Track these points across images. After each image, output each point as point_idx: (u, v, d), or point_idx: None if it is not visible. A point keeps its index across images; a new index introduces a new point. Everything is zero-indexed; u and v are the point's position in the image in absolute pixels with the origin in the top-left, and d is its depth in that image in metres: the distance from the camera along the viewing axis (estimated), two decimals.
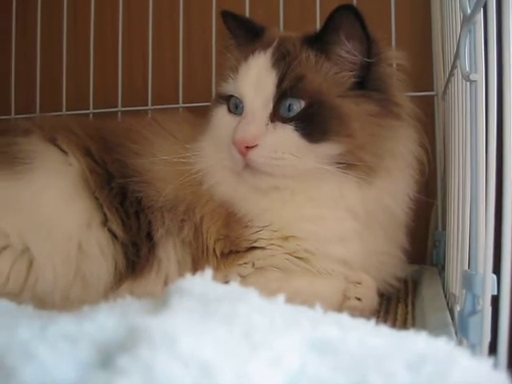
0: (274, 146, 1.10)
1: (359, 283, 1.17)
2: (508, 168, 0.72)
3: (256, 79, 1.14)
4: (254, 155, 1.10)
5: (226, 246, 1.20)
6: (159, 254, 1.20)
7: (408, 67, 1.19)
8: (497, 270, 0.75)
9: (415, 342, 0.56)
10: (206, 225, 1.20)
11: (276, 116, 1.12)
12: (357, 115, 1.11)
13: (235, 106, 1.18)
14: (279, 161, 1.10)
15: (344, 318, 0.62)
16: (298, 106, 1.11)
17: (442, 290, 1.22)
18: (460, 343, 0.83)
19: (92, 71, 1.94)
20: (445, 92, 1.46)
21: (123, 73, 1.93)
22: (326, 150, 1.10)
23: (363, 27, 1.09)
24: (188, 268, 1.19)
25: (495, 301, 0.75)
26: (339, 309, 1.09)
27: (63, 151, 1.24)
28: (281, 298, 0.62)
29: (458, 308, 0.96)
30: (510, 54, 0.73)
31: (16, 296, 1.09)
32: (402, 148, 1.18)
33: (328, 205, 1.17)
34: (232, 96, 1.19)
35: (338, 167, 1.10)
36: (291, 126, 1.10)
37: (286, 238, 1.18)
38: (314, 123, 1.10)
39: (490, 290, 0.76)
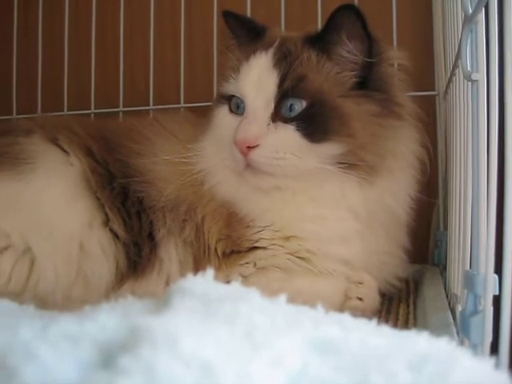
0: (275, 146, 1.10)
1: (361, 283, 1.17)
2: (509, 168, 0.72)
3: (257, 79, 1.14)
4: (255, 155, 1.10)
5: (228, 246, 1.20)
6: (161, 254, 1.20)
7: (409, 67, 1.19)
8: (498, 269, 0.75)
9: (417, 342, 0.56)
10: (207, 225, 1.20)
11: (277, 116, 1.12)
12: (358, 115, 1.11)
13: (237, 105, 1.18)
14: (281, 161, 1.10)
15: (345, 318, 0.62)
16: (300, 105, 1.11)
17: (443, 290, 1.22)
18: (461, 343, 0.83)
19: (93, 71, 1.94)
20: (446, 92, 1.45)
21: (125, 73, 1.93)
22: (328, 150, 1.10)
23: (364, 27, 1.09)
24: (190, 268, 1.19)
25: (497, 301, 0.75)
26: (341, 309, 1.09)
27: (65, 151, 1.24)
28: (282, 297, 0.62)
29: (459, 308, 0.96)
30: (511, 53, 0.73)
31: (17, 296, 1.09)
32: (403, 148, 1.18)
33: (329, 205, 1.17)
34: (233, 96, 1.19)
35: (340, 167, 1.10)
36: (292, 126, 1.10)
37: (287, 238, 1.18)
38: (315, 123, 1.10)
39: (492, 289, 0.76)
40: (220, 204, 1.21)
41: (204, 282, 0.63)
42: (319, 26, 1.51)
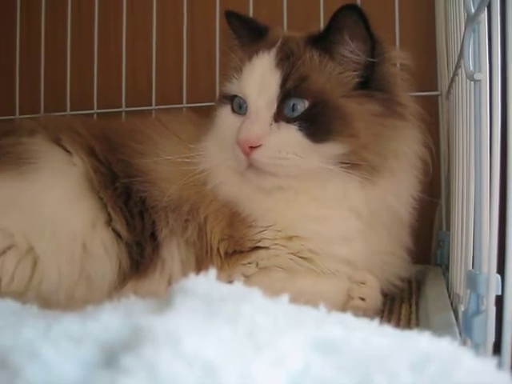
0: (277, 146, 1.10)
1: (363, 283, 1.17)
2: None
3: (260, 79, 1.14)
4: (257, 155, 1.10)
5: (230, 246, 1.20)
6: (163, 254, 1.20)
7: (412, 67, 1.19)
8: (501, 270, 0.75)
9: (419, 342, 0.56)
10: (209, 225, 1.20)
11: (280, 116, 1.12)
12: (360, 115, 1.11)
13: (239, 105, 1.18)
14: (283, 161, 1.10)
15: (348, 317, 0.62)
16: (302, 105, 1.11)
17: (446, 290, 1.22)
18: (464, 343, 0.83)
19: (96, 71, 1.94)
20: (449, 92, 1.45)
21: (127, 73, 1.93)
22: (330, 150, 1.10)
23: (367, 27, 1.09)
24: (192, 268, 1.19)
25: (499, 301, 0.75)
26: (343, 309, 1.09)
27: (67, 151, 1.24)
28: (285, 297, 0.62)
29: (462, 308, 0.96)
30: None
31: (20, 295, 1.09)
32: (405, 148, 1.18)
33: (332, 205, 1.17)
34: (236, 96, 1.19)
35: (342, 167, 1.10)
36: (295, 126, 1.10)
37: (289, 238, 1.18)
38: (317, 123, 1.10)
39: (494, 289, 0.76)
40: (222, 204, 1.21)
41: (206, 282, 0.63)
42: (322, 25, 1.50)
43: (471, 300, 0.81)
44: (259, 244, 1.19)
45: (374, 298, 1.17)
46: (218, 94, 1.47)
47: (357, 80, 1.14)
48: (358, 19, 1.08)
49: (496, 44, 0.78)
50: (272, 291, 0.62)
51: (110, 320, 0.54)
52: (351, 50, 1.13)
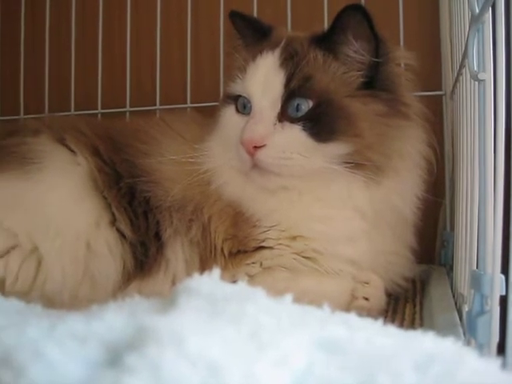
0: (282, 146, 1.10)
1: (367, 283, 1.17)
2: None
3: (264, 79, 1.14)
4: (262, 155, 1.10)
5: (234, 246, 1.20)
6: (167, 254, 1.20)
7: (416, 67, 1.19)
8: (505, 270, 0.75)
9: (423, 342, 0.56)
10: (214, 224, 1.20)
11: (284, 116, 1.12)
12: (365, 115, 1.11)
13: (243, 105, 1.18)
14: (287, 161, 1.10)
15: (352, 317, 0.62)
16: (306, 105, 1.11)
17: (450, 290, 1.22)
18: (468, 343, 0.83)
19: (100, 71, 1.94)
20: (453, 91, 1.45)
21: (131, 73, 1.93)
22: (334, 150, 1.10)
23: (371, 27, 1.09)
24: (196, 268, 1.19)
25: (503, 301, 0.75)
26: (347, 308, 1.09)
27: (72, 151, 1.24)
28: (288, 297, 0.62)
29: (466, 308, 0.96)
30: None
31: (25, 295, 1.09)
32: (410, 148, 1.18)
33: (336, 205, 1.17)
34: (240, 96, 1.19)
35: (346, 167, 1.10)
36: (299, 126, 1.10)
37: (293, 238, 1.18)
38: (321, 123, 1.10)
39: (499, 290, 0.76)
40: (226, 204, 1.21)
41: (210, 282, 0.63)
42: (326, 25, 1.50)
43: (475, 300, 0.80)
44: (263, 244, 1.19)
45: (378, 298, 1.17)
46: (222, 94, 1.47)
47: (361, 80, 1.13)
48: (362, 19, 1.08)
49: (500, 44, 0.78)
50: (276, 291, 0.62)
51: (114, 319, 0.54)
52: (355, 50, 1.12)
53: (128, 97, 1.91)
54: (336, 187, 1.15)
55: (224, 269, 1.17)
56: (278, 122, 1.11)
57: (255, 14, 1.73)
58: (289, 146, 1.10)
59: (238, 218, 1.20)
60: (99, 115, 1.92)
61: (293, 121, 1.11)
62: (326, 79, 1.12)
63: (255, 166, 1.12)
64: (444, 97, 1.66)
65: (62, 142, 1.25)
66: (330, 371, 0.49)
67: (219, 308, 0.56)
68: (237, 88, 1.20)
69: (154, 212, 1.21)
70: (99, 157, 1.25)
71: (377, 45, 1.12)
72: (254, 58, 1.18)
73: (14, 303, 0.74)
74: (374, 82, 1.14)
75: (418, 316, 1.13)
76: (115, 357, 0.47)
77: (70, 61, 1.97)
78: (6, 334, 0.52)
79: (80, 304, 1.02)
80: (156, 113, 1.87)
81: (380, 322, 0.63)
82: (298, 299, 0.63)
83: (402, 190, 1.19)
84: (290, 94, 1.11)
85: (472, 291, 0.84)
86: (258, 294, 0.61)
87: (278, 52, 1.16)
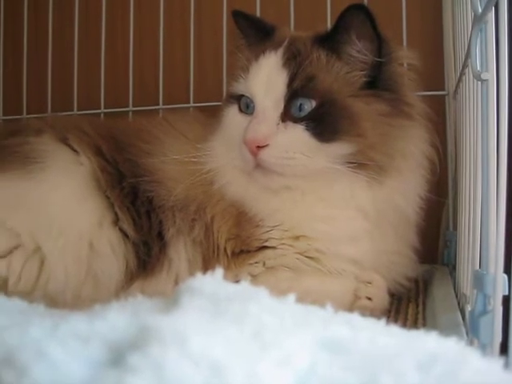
0: (284, 146, 1.10)
1: (370, 283, 1.17)
2: None
3: (267, 79, 1.14)
4: (264, 155, 1.10)
5: (237, 246, 1.20)
6: (170, 254, 1.20)
7: (419, 66, 1.19)
8: (508, 269, 0.75)
9: (426, 342, 0.56)
10: (216, 224, 1.20)
11: (287, 116, 1.11)
12: (368, 115, 1.11)
13: (246, 105, 1.18)
14: (290, 160, 1.10)
15: (354, 317, 0.62)
16: (309, 105, 1.11)
17: (452, 290, 1.22)
18: (471, 343, 0.82)
19: (103, 71, 1.95)
20: (456, 91, 1.45)
21: (134, 73, 1.93)
22: (337, 150, 1.10)
23: (374, 26, 1.09)
24: (199, 267, 1.19)
25: (506, 301, 0.75)
26: (350, 308, 1.09)
27: (75, 151, 1.24)
28: (291, 297, 0.62)
29: (468, 308, 0.95)
30: None
31: (28, 295, 1.09)
32: (412, 148, 1.18)
33: (339, 204, 1.17)
34: (243, 96, 1.19)
35: (349, 167, 1.10)
36: (302, 126, 1.10)
37: (296, 238, 1.18)
38: (324, 123, 1.10)
39: (501, 289, 0.76)
40: (229, 204, 1.21)
41: (213, 282, 0.63)
42: (329, 25, 1.50)
43: (478, 300, 0.80)
44: (266, 244, 1.19)
45: (381, 298, 1.17)
46: (225, 94, 1.47)
47: (364, 80, 1.13)
48: (365, 19, 1.08)
49: (503, 43, 0.78)
50: (279, 291, 0.62)
51: (117, 319, 0.54)
52: (358, 50, 1.12)
53: (131, 96, 1.91)
54: (339, 187, 1.15)
55: (227, 268, 1.17)
56: (280, 122, 1.11)
57: (258, 14, 1.73)
58: (292, 145, 1.10)
59: (241, 218, 1.20)
60: (102, 115, 1.92)
61: (296, 121, 1.11)
62: (328, 79, 1.12)
63: (258, 165, 1.12)
64: (447, 97, 1.65)
65: (64, 141, 1.25)
66: (333, 371, 0.49)
67: (222, 308, 0.56)
68: (240, 88, 1.20)
69: (157, 212, 1.22)
70: (102, 156, 1.25)
71: (380, 44, 1.12)
72: (256, 57, 1.18)
73: (16, 303, 0.74)
74: (377, 81, 1.14)
75: (420, 316, 1.13)
76: (118, 356, 0.48)
77: (73, 60, 1.98)
78: (9, 334, 0.52)
79: (83, 304, 1.03)
80: (159, 112, 1.87)
81: (383, 321, 0.63)
82: (300, 299, 0.63)
83: (404, 189, 1.19)
84: (293, 93, 1.11)
85: (475, 291, 0.84)
86: (261, 294, 0.61)
87: (280, 52, 1.15)
